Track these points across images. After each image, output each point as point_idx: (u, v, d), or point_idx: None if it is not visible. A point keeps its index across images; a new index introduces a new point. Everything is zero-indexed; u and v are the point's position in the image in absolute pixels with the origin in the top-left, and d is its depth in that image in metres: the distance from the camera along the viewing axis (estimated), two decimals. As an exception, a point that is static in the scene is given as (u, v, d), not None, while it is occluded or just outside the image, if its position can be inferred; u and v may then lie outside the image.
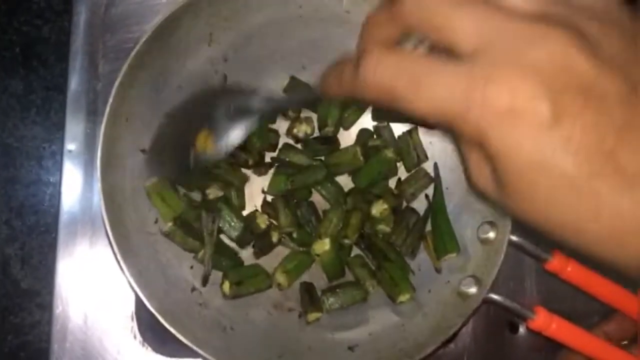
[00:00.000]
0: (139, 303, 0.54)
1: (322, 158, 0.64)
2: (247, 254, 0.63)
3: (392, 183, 0.65)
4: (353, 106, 0.64)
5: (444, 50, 0.32)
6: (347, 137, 0.65)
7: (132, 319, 0.63)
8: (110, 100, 0.54)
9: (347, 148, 0.64)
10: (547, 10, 0.31)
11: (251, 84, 0.63)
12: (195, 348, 0.53)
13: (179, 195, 0.60)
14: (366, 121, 0.66)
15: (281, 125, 0.65)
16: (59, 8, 0.69)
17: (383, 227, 0.62)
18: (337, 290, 0.61)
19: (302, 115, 0.64)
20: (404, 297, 0.60)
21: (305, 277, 0.63)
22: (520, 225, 0.57)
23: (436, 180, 0.64)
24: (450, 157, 0.64)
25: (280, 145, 0.64)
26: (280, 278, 0.61)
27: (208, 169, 0.61)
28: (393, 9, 0.34)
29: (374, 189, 0.64)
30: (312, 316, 0.60)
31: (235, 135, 0.52)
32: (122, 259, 0.53)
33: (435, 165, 0.64)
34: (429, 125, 0.53)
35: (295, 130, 0.64)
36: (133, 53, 0.54)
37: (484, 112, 0.29)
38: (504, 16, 0.30)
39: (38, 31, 0.69)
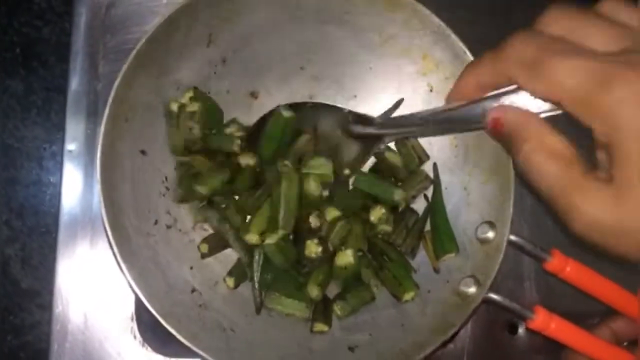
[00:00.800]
0: (139, 303, 0.54)
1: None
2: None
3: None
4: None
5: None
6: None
7: (132, 319, 0.63)
8: (110, 101, 0.54)
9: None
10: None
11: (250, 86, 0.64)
12: (195, 349, 0.53)
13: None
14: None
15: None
16: (59, 9, 0.69)
17: (384, 227, 0.62)
18: (347, 295, 0.61)
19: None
20: (408, 296, 0.60)
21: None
22: (519, 225, 0.57)
23: (435, 180, 0.64)
24: (449, 157, 0.64)
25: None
26: (315, 291, 0.60)
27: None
28: (495, 58, 0.42)
29: (376, 190, 0.63)
30: (319, 327, 0.59)
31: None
32: (122, 260, 0.53)
33: (435, 166, 0.64)
34: None
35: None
36: (132, 54, 0.54)
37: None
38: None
39: (38, 32, 0.69)
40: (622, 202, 0.37)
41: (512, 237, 0.57)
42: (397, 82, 0.64)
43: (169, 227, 0.60)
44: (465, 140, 0.62)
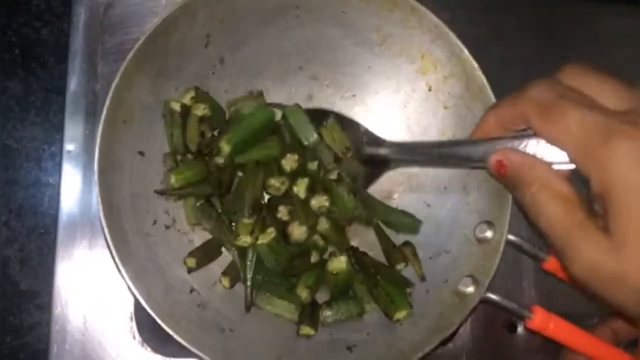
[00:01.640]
0: (137, 303, 0.54)
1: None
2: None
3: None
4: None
5: None
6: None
7: (131, 320, 0.63)
8: (108, 102, 0.54)
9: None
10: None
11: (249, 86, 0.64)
12: (193, 349, 0.53)
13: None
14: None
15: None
16: (58, 10, 0.69)
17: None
18: (334, 303, 0.61)
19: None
20: (400, 315, 0.59)
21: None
22: (518, 225, 0.57)
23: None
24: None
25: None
26: (304, 293, 0.60)
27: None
28: (516, 98, 0.46)
29: None
30: (305, 330, 0.59)
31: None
32: (120, 261, 0.53)
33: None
34: None
35: None
36: (130, 55, 0.54)
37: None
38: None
39: (37, 33, 0.69)
40: (618, 253, 0.38)
41: (511, 237, 0.57)
42: (396, 81, 0.64)
43: (167, 227, 0.60)
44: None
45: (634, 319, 0.57)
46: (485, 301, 0.56)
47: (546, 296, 0.68)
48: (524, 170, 0.45)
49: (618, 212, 0.38)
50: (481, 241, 0.59)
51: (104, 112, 0.54)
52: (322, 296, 0.62)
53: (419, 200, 0.65)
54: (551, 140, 0.43)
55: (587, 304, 0.58)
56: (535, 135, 0.45)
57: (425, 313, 0.59)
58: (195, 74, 0.61)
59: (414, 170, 0.65)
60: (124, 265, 0.53)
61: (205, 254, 0.61)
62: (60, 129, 0.66)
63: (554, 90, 0.43)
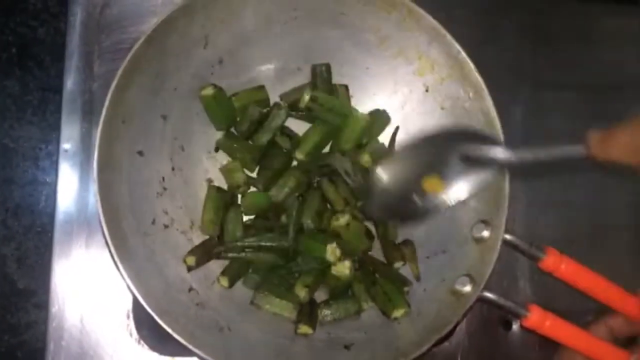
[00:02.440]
0: (135, 302, 0.54)
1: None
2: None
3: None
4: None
5: None
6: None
7: (128, 318, 0.63)
8: (107, 102, 0.54)
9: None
10: None
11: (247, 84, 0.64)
12: (192, 348, 0.53)
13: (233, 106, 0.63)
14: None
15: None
16: (54, 9, 0.69)
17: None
18: (332, 302, 0.62)
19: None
20: (398, 313, 0.60)
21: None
22: (514, 224, 0.58)
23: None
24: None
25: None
26: (302, 292, 0.60)
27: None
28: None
29: None
30: (303, 329, 0.59)
31: (465, 184, 0.52)
32: (119, 260, 0.53)
33: None
34: None
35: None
36: (129, 56, 0.54)
37: None
38: None
39: (34, 32, 0.69)
40: None
41: (507, 236, 0.57)
42: (393, 82, 0.65)
43: (166, 226, 0.60)
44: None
45: (628, 313, 0.58)
46: (482, 300, 0.56)
47: (542, 295, 0.68)
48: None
49: None
50: (478, 240, 0.59)
51: (103, 112, 0.54)
52: (320, 295, 0.63)
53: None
54: None
55: (584, 302, 0.59)
56: None
57: (423, 312, 0.60)
58: (194, 74, 0.61)
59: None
60: (123, 264, 0.53)
61: (204, 253, 0.61)
62: (56, 127, 0.66)
63: None
